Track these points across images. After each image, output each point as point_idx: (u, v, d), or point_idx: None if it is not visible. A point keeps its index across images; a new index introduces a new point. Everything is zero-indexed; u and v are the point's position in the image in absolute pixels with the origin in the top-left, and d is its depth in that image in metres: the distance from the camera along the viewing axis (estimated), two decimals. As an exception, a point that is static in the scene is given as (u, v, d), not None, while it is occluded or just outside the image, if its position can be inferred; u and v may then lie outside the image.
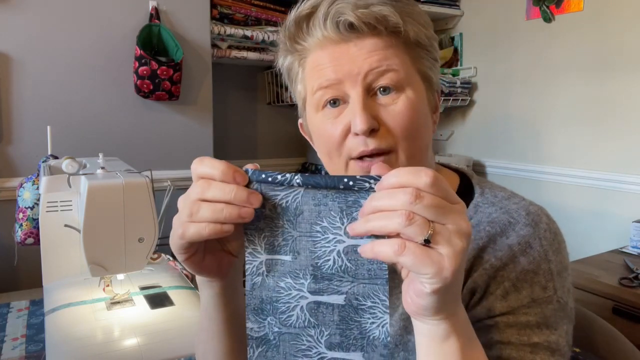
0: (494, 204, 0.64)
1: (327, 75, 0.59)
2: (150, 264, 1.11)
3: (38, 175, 1.21)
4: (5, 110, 1.44)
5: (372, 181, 0.41)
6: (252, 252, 0.47)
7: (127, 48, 1.57)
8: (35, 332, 1.03)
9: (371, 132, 0.57)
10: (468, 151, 2.30)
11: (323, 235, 0.44)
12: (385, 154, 0.58)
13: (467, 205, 0.65)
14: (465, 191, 0.67)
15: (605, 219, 1.84)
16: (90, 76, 1.55)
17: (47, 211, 0.96)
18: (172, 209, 1.70)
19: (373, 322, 0.44)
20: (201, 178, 0.46)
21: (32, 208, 1.18)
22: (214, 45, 1.79)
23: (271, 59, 1.94)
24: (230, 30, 1.80)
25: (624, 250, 1.63)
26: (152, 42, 1.60)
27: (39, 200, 1.04)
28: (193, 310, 0.89)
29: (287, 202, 0.46)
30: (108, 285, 0.90)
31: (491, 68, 2.23)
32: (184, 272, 1.15)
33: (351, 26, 0.57)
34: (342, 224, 0.43)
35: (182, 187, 1.69)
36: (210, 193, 0.44)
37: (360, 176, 0.42)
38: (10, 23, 1.42)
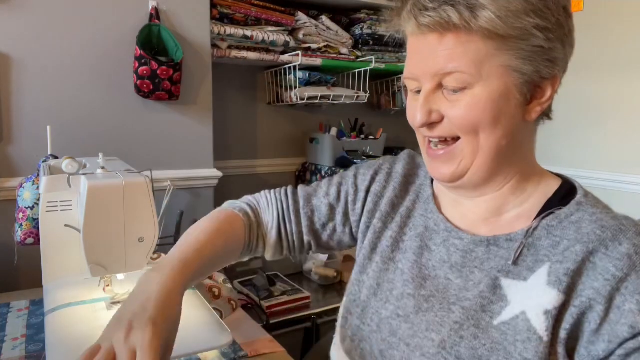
0: (596, 206, 0.64)
1: (410, 69, 0.66)
2: (150, 264, 1.11)
3: (38, 175, 1.21)
4: (5, 110, 1.44)
5: None
6: None
7: (127, 48, 1.57)
8: (35, 332, 1.03)
9: (432, 123, 0.65)
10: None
11: None
12: (451, 142, 0.65)
13: (569, 202, 0.65)
14: (567, 193, 0.67)
15: (605, 219, 1.84)
16: (90, 76, 1.55)
17: (47, 211, 0.96)
18: (172, 209, 1.71)
19: None
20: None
21: (32, 208, 1.18)
22: (214, 45, 1.79)
23: (271, 59, 1.94)
24: (230, 30, 1.80)
25: (624, 250, 1.63)
26: (152, 42, 1.61)
27: (39, 200, 1.04)
28: (193, 310, 0.89)
29: None
30: (108, 285, 0.90)
31: (491, 68, 2.22)
32: (184, 272, 1.15)
33: (425, 24, 0.61)
34: None
35: (182, 187, 1.69)
36: None
37: None
38: (10, 23, 1.42)
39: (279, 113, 2.30)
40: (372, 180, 0.85)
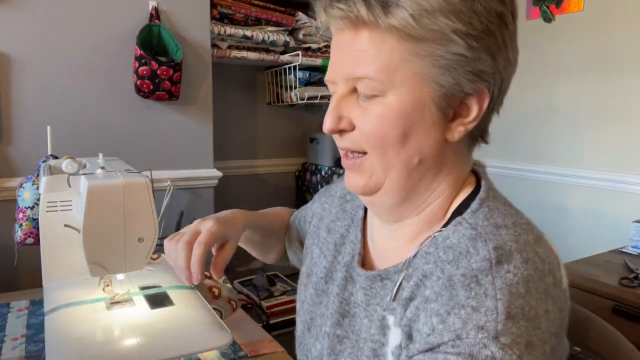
0: (475, 228, 0.53)
1: (328, 71, 0.59)
2: (150, 264, 1.11)
3: (38, 175, 1.21)
4: (5, 110, 1.44)
5: None
6: None
7: (127, 48, 1.57)
8: (35, 332, 1.03)
9: (343, 131, 0.57)
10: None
11: None
12: (362, 153, 0.58)
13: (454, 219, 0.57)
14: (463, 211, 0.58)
15: (605, 219, 1.84)
16: (90, 76, 1.55)
17: (47, 211, 0.96)
18: (172, 209, 1.71)
19: None
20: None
21: (32, 208, 1.18)
22: (214, 45, 1.79)
23: (271, 59, 1.94)
24: (230, 30, 1.80)
25: (624, 250, 1.63)
26: (152, 42, 1.60)
27: (39, 200, 1.04)
28: (193, 310, 0.89)
29: None
30: (108, 285, 0.90)
31: (491, 68, 2.22)
32: (184, 272, 1.15)
33: (336, 17, 0.54)
34: None
35: (182, 187, 1.69)
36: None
37: None
38: (10, 23, 1.42)
39: (279, 113, 2.30)
40: (319, 202, 0.84)
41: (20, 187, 1.21)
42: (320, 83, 2.09)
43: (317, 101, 2.03)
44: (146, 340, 0.78)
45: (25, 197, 1.19)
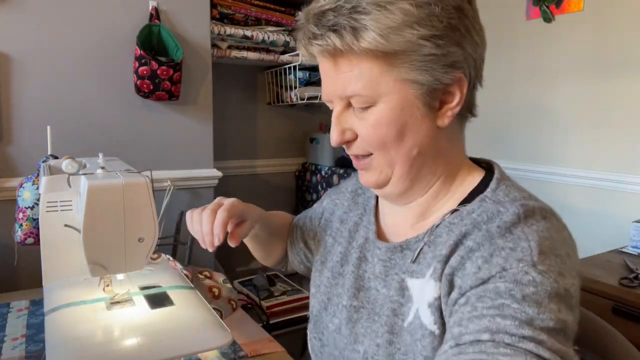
0: (500, 202, 0.62)
1: (323, 91, 0.68)
2: (150, 264, 1.11)
3: (38, 175, 1.21)
4: (5, 110, 1.44)
5: None
6: None
7: (127, 48, 1.57)
8: (35, 332, 1.03)
9: (348, 142, 0.67)
10: (468, 151, 2.30)
11: None
12: (367, 156, 0.67)
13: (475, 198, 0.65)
14: (483, 189, 0.66)
15: (605, 219, 1.84)
16: (90, 76, 1.55)
17: (47, 211, 0.96)
18: (172, 209, 1.70)
19: None
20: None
21: (32, 208, 1.18)
22: (214, 45, 1.80)
23: (271, 59, 1.94)
24: (230, 30, 1.80)
25: (624, 250, 1.63)
26: (152, 42, 1.61)
27: (39, 200, 1.04)
28: (193, 310, 0.89)
29: None
30: (108, 285, 0.90)
31: (491, 68, 2.22)
32: (184, 272, 1.15)
33: (316, 54, 0.63)
34: None
35: (182, 187, 1.69)
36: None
37: None
38: (10, 23, 1.42)
39: (279, 113, 2.30)
40: (329, 199, 0.92)
41: (20, 187, 1.21)
42: (320, 83, 2.09)
43: (317, 101, 2.03)
44: (146, 340, 0.78)
45: (25, 197, 1.19)
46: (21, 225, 1.17)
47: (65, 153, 1.09)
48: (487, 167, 0.72)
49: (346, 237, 0.81)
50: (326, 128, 2.26)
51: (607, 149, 1.83)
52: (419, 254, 0.65)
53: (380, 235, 0.76)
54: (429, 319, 0.59)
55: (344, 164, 2.08)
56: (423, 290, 0.61)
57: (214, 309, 0.95)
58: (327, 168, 2.13)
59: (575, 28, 1.91)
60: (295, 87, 2.00)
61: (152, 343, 0.78)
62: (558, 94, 1.99)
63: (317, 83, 2.09)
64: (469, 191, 0.67)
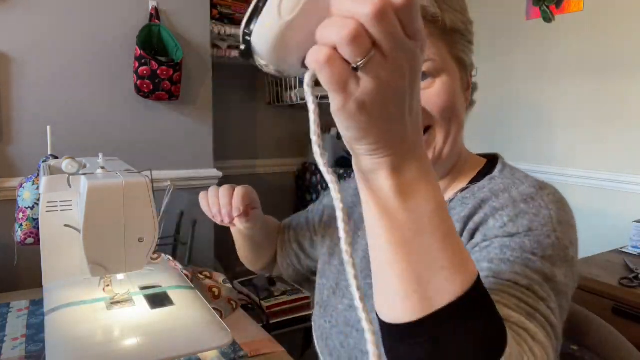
0: (508, 179, 0.68)
1: None
2: (150, 264, 1.11)
3: (38, 175, 1.21)
4: (5, 110, 1.44)
5: None
6: None
7: (127, 48, 1.57)
8: (35, 332, 1.03)
9: None
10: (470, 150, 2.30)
11: None
12: (425, 131, 0.67)
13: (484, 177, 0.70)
14: (489, 171, 0.72)
15: (605, 219, 1.84)
16: (90, 76, 1.55)
17: (47, 211, 0.96)
18: (172, 209, 1.69)
19: None
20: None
21: (32, 208, 1.18)
22: (214, 45, 1.80)
23: (271, 59, 1.94)
24: (230, 30, 1.80)
25: (624, 250, 1.63)
26: (152, 42, 1.60)
27: (39, 200, 1.04)
28: (193, 310, 0.89)
29: None
30: (108, 285, 0.90)
31: (491, 68, 2.23)
32: (184, 272, 1.15)
33: None
34: None
35: (182, 187, 1.69)
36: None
37: None
38: (10, 23, 1.42)
39: (279, 113, 2.30)
40: (329, 198, 0.93)
41: (20, 187, 1.21)
42: (320, 83, 2.09)
43: (317, 101, 2.03)
44: (146, 340, 0.78)
45: (25, 197, 1.19)
46: (21, 225, 1.17)
47: (65, 153, 1.09)
48: (486, 156, 0.79)
49: (352, 228, 0.84)
50: (326, 128, 2.26)
51: (607, 149, 1.83)
52: None
53: None
54: None
55: (344, 164, 2.08)
56: None
57: (214, 309, 0.95)
58: (327, 168, 2.13)
59: (575, 28, 1.91)
60: (295, 87, 2.00)
61: (152, 343, 0.78)
62: (558, 94, 1.99)
63: (317, 83, 2.09)
64: (476, 172, 0.73)
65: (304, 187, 2.29)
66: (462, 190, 0.71)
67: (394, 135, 0.36)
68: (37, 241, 1.16)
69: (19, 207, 1.19)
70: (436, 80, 0.65)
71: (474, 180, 0.72)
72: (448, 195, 0.73)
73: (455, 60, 0.67)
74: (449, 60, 0.66)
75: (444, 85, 0.65)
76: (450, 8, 0.64)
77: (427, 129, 0.67)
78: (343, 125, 0.37)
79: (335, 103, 0.36)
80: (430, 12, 0.62)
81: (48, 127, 1.19)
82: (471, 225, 0.64)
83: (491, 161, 0.75)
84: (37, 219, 1.15)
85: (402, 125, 0.36)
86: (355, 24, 0.31)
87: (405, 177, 0.38)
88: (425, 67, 0.64)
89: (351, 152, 0.40)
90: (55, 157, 1.18)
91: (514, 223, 0.60)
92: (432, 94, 0.65)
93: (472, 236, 0.63)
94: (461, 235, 0.64)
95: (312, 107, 0.39)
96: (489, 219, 0.62)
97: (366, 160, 0.38)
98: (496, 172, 0.71)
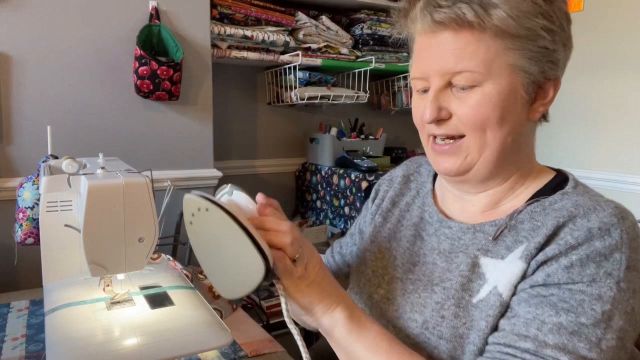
0: (582, 195, 0.66)
1: (419, 68, 0.68)
2: (150, 264, 1.11)
3: (38, 175, 1.21)
4: (5, 110, 1.44)
5: None
6: None
7: (127, 48, 1.57)
8: (35, 332, 1.03)
9: (440, 120, 0.67)
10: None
11: None
12: (457, 139, 0.67)
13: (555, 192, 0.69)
14: (558, 185, 0.70)
15: (605, 219, 1.84)
16: (90, 76, 1.55)
17: (47, 211, 0.96)
18: (172, 209, 1.70)
19: None
20: None
21: (32, 208, 1.18)
22: (214, 45, 1.80)
23: (271, 59, 1.94)
24: (230, 30, 1.80)
25: (624, 250, 1.63)
26: (152, 42, 1.61)
27: (39, 200, 1.04)
28: (193, 310, 0.89)
29: None
30: (108, 285, 0.90)
31: (491, 68, 2.22)
32: (184, 272, 1.15)
33: (440, 21, 0.63)
34: None
35: (182, 187, 1.69)
36: None
37: None
38: (10, 23, 1.42)
39: (279, 113, 2.30)
40: (377, 190, 0.94)
41: (20, 187, 1.21)
42: (320, 83, 2.09)
43: (317, 101, 2.03)
44: (146, 340, 0.78)
45: (25, 197, 1.19)
46: (21, 225, 1.17)
47: (65, 153, 1.09)
48: (554, 170, 0.77)
49: (396, 216, 0.85)
50: (326, 128, 2.26)
51: (607, 149, 1.83)
52: (498, 235, 0.68)
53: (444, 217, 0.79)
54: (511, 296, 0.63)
55: (344, 164, 2.08)
56: (503, 270, 0.64)
57: (214, 309, 0.95)
58: (327, 168, 2.13)
59: (575, 28, 1.91)
60: (295, 87, 2.00)
61: (152, 343, 0.78)
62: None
63: (317, 83, 2.09)
64: (543, 184, 0.71)
65: (304, 187, 2.29)
66: (530, 201, 0.69)
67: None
68: (37, 241, 1.16)
69: (19, 207, 1.19)
70: (476, 91, 0.63)
71: (542, 193, 0.70)
72: (504, 208, 0.72)
73: (511, 67, 0.63)
74: (498, 67, 0.62)
75: (483, 96, 0.63)
76: (508, 10, 0.60)
77: (460, 137, 0.67)
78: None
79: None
80: (470, 20, 0.60)
81: (48, 127, 1.19)
82: (541, 257, 0.62)
83: (559, 174, 0.74)
84: (37, 219, 1.15)
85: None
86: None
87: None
88: (462, 79, 0.63)
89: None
90: (55, 157, 1.18)
91: (580, 268, 0.59)
92: (466, 105, 0.64)
93: (537, 269, 0.62)
94: (528, 262, 0.63)
95: (294, 331, 0.62)
96: (560, 257, 0.61)
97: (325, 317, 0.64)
98: (569, 187, 0.69)
